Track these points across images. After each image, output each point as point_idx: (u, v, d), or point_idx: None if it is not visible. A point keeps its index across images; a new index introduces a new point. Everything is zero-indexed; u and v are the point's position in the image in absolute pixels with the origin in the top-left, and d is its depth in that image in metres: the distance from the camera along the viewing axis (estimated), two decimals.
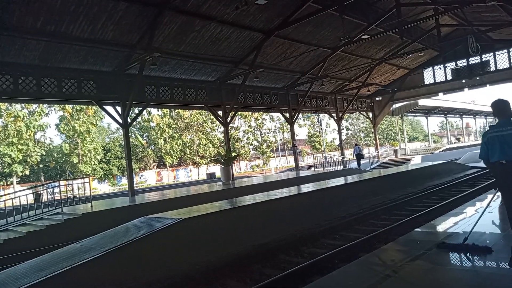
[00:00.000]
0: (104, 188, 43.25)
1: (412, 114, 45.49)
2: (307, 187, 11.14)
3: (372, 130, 33.09)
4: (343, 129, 61.57)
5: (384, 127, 70.75)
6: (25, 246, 9.04)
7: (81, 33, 12.10)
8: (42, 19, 11.05)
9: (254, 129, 58.47)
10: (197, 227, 6.89)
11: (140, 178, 46.39)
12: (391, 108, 31.88)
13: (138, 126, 49.78)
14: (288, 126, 26.23)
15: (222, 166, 17.29)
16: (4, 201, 11.19)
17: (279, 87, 21.84)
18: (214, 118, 21.48)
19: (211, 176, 37.15)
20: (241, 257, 6.92)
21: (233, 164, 18.69)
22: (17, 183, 37.31)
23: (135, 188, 15.52)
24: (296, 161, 24.31)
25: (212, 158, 48.84)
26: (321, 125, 61.39)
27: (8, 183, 38.27)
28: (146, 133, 50.49)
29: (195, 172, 51.87)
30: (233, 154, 18.61)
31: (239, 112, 34.02)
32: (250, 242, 7.50)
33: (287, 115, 23.14)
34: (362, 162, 26.10)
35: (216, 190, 14.30)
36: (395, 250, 5.07)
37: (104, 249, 5.75)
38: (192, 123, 50.84)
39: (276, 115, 58.46)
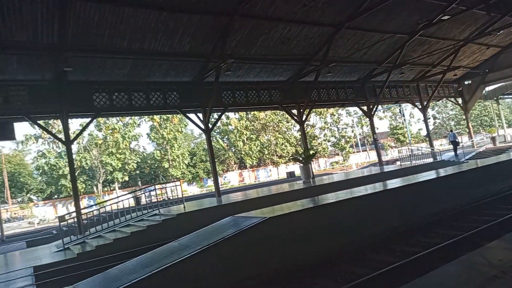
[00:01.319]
0: (193, 190, 46.18)
1: (510, 96, 40.30)
2: (394, 183, 10.60)
3: (463, 117, 30.12)
4: (429, 118, 57.19)
5: (477, 113, 63.78)
6: (130, 244, 10.13)
7: (162, 48, 13.15)
8: (128, 39, 12.26)
9: (330, 125, 57.30)
10: (282, 225, 7.01)
11: (224, 179, 48.53)
12: (484, 92, 28.70)
13: (218, 130, 52.21)
14: (367, 119, 25.16)
15: (301, 165, 17.30)
16: (110, 205, 12.60)
17: (354, 80, 21.11)
18: (289, 117, 21.54)
19: (291, 175, 37.33)
20: (329, 256, 6.89)
21: (312, 162, 18.55)
22: (118, 189, 41.81)
23: (220, 189, 16.33)
24: (379, 155, 23.22)
25: (291, 157, 49.10)
26: (403, 115, 57.70)
27: (111, 188, 43.03)
28: (226, 136, 52.69)
29: (275, 172, 52.60)
30: (312, 152, 18.47)
31: (314, 109, 33.67)
32: (337, 241, 7.41)
33: (364, 108, 22.26)
34: (453, 153, 23.97)
35: (297, 188, 14.39)
36: (502, 248, 4.59)
37: (199, 247, 6.18)
38: (268, 123, 51.69)
39: (352, 109, 56.56)
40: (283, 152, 52.24)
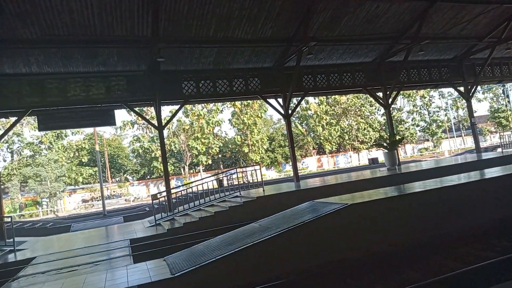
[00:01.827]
0: (271, 174, 47.02)
1: None
2: (494, 172, 9.47)
3: None
4: None
5: None
6: (213, 223, 10.75)
7: (245, 35, 13.39)
8: (214, 28, 12.72)
9: (420, 109, 53.13)
10: (363, 213, 6.77)
11: (302, 164, 48.44)
12: None
13: (297, 115, 51.97)
14: (463, 101, 22.71)
15: (386, 151, 16.39)
16: (196, 186, 13.45)
17: (449, 58, 19.13)
18: (373, 101, 20.44)
19: (373, 161, 35.66)
20: (413, 247, 6.48)
21: (398, 148, 17.46)
22: (203, 171, 44.45)
23: (298, 174, 16.30)
24: (476, 141, 20.91)
25: (374, 143, 46.90)
26: (507, 97, 50.86)
27: (196, 171, 45.89)
28: (305, 122, 52.22)
29: (355, 158, 50.84)
30: (398, 137, 17.35)
31: (401, 92, 31.49)
32: (423, 232, 6.93)
33: (461, 89, 20.12)
34: None
35: (379, 176, 13.70)
36: None
37: (279, 229, 6.30)
38: (349, 107, 49.85)
39: (447, 90, 51.69)
40: (365, 138, 50.09)
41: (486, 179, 8.33)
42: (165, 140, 14.36)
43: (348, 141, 50.66)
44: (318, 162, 50.14)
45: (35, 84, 12.41)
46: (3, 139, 15.57)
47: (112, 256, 8.27)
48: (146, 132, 43.01)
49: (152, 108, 16.56)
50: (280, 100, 16.12)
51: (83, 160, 42.57)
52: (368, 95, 19.33)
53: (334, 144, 49.74)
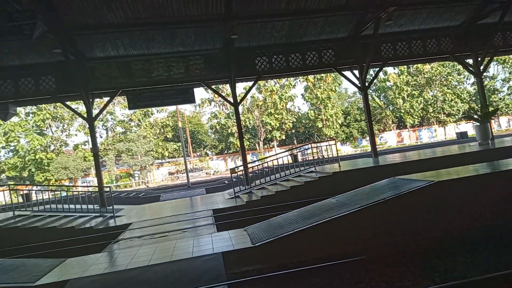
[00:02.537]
0: (346, 149, 45.87)
1: None
2: None
3: None
4: None
5: None
6: (289, 197, 10.96)
7: (318, 5, 12.86)
8: (285, 1, 12.39)
9: None
10: (450, 191, 6.32)
11: (380, 139, 46.31)
12: None
13: (374, 87, 49.33)
14: None
15: (477, 124, 14.87)
16: (272, 161, 13.72)
17: None
18: (462, 69, 18.48)
19: (461, 135, 32.65)
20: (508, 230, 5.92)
21: (491, 121, 15.72)
22: (277, 146, 45.02)
23: (376, 149, 15.65)
24: None
25: (463, 115, 42.79)
26: None
27: (270, 146, 46.62)
28: (383, 94, 49.40)
29: (441, 132, 47.00)
30: (491, 108, 15.57)
31: (495, 57, 27.96)
32: None
33: None
34: None
35: (469, 151, 12.53)
36: None
37: (358, 206, 6.21)
38: (434, 77, 45.75)
39: None
40: (452, 110, 45.86)
41: None
42: (240, 116, 14.76)
43: (432, 114, 46.88)
44: (398, 137, 47.42)
45: (123, 65, 13.56)
46: (98, 117, 17.40)
47: (197, 224, 8.96)
48: (222, 109, 44.61)
49: (227, 85, 17.06)
50: (356, 72, 15.45)
51: (167, 136, 45.91)
52: (456, 63, 17.54)
53: (416, 117, 46.44)
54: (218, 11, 12.23)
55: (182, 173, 40.17)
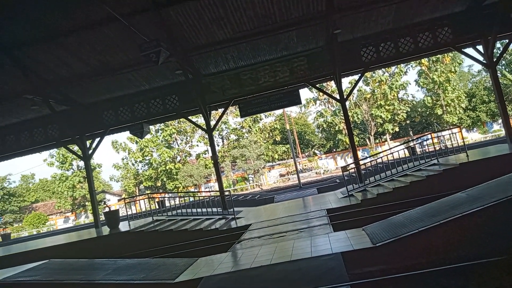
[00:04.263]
0: (474, 136, 40.49)
1: None
2: None
3: None
4: None
5: None
6: (408, 194, 10.19)
7: None
8: None
9: None
10: None
11: None
12: None
13: (504, 61, 42.41)
14: None
15: None
16: (386, 155, 12.95)
17: None
18: None
19: None
20: None
21: None
22: (390, 140, 42.23)
23: None
24: None
25: None
26: None
27: (383, 140, 44.00)
28: None
29: None
30: None
31: None
32: None
33: None
34: None
35: None
36: None
37: (494, 199, 5.44)
38: None
39: None
40: None
41: None
42: (347, 112, 14.34)
43: None
44: None
45: (234, 77, 14.52)
46: (216, 128, 18.90)
47: (312, 225, 9.00)
48: (328, 107, 43.93)
49: (332, 82, 16.73)
50: (479, 47, 13.54)
51: (276, 139, 47.31)
52: None
53: None
54: (320, 8, 12.11)
55: (293, 174, 40.83)
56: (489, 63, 13.25)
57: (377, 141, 44.05)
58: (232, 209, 12.70)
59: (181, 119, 38.09)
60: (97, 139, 15.81)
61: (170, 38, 12.02)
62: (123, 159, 45.19)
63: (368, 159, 14.73)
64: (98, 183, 47.17)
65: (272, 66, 14.28)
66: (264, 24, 12.38)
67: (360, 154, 40.98)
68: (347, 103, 41.77)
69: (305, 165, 44.95)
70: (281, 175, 43.91)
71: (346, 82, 41.45)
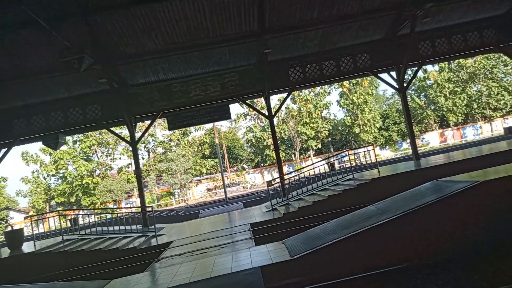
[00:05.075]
0: (386, 154, 44.34)
1: None
2: None
3: None
4: None
5: None
6: (327, 207, 10.75)
7: (351, 10, 12.64)
8: (317, 9, 12.31)
9: None
10: (498, 191, 5.87)
11: (422, 141, 44.38)
12: None
13: (413, 87, 47.56)
14: None
15: None
16: (308, 171, 13.53)
17: None
18: (508, 60, 17.33)
19: (510, 130, 30.59)
20: None
21: None
22: (313, 155, 44.44)
23: (418, 151, 14.98)
24: None
25: (511, 109, 40.07)
26: None
27: (307, 156, 46.11)
28: (423, 93, 47.50)
29: (487, 128, 44.20)
30: None
31: None
32: None
33: None
34: None
35: None
36: None
37: (399, 212, 5.93)
38: (477, 71, 43.36)
39: None
40: (499, 104, 43.08)
41: None
42: (275, 128, 14.78)
43: (477, 110, 44.31)
44: (441, 136, 45.17)
45: (163, 89, 14.15)
46: (141, 140, 18.12)
47: (235, 239, 8.97)
48: (258, 122, 44.91)
49: (261, 98, 17.16)
50: (393, 73, 14.99)
51: (205, 153, 46.82)
52: (502, 54, 16.48)
53: (459, 115, 44.12)
54: (252, 27, 12.42)
55: (220, 189, 40.64)
56: (400, 87, 14.69)
57: (301, 156, 45.98)
58: (153, 226, 12.14)
59: (103, 130, 35.90)
60: (3, 150, 14.07)
61: (96, 45, 11.33)
62: (33, 172, 40.88)
63: (293, 174, 15.23)
64: (2, 198, 42.04)
65: (204, 80, 14.23)
66: (197, 38, 12.31)
67: (285, 169, 42.35)
68: (275, 119, 43.07)
69: (233, 180, 45.08)
70: (209, 190, 43.43)
71: (275, 99, 42.89)
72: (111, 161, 42.65)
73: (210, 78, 14.23)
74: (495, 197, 5.87)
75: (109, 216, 13.86)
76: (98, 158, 42.22)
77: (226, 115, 14.80)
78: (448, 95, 43.78)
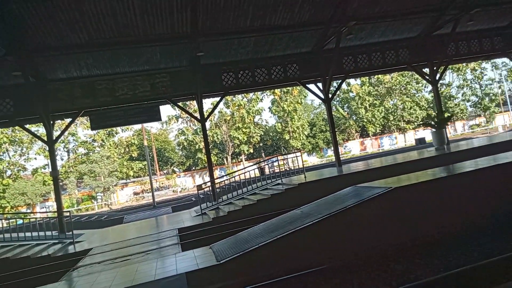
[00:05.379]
0: (313, 160, 46.57)
1: None
2: None
3: None
4: None
5: None
6: (256, 211, 10.91)
7: (282, 22, 13.17)
8: (250, 17, 12.62)
9: (470, 83, 49.71)
10: (409, 196, 6.52)
11: (344, 149, 47.46)
12: None
13: (338, 98, 50.71)
14: None
15: (434, 130, 15.59)
16: (239, 175, 13.66)
17: (503, 26, 17.62)
18: (420, 78, 19.38)
19: (420, 141, 34.17)
20: (466, 230, 6.17)
21: (447, 126, 16.55)
22: (245, 160, 45.00)
23: (340, 158, 16.01)
24: None
25: (421, 122, 44.72)
26: None
27: (239, 160, 46.56)
28: (347, 104, 50.91)
29: (401, 139, 48.88)
30: (446, 114, 16.43)
31: (450, 66, 29.60)
32: (475, 214, 6.56)
33: None
34: None
35: (427, 156, 13.10)
36: None
37: (321, 215, 6.25)
38: (393, 86, 47.78)
39: (501, 60, 47.87)
40: (411, 117, 47.93)
41: None
42: (207, 131, 14.69)
43: (393, 122, 48.77)
44: (361, 145, 48.83)
45: (86, 86, 13.23)
46: (59, 139, 16.73)
47: (162, 245, 8.68)
48: (190, 125, 44.20)
49: (194, 101, 16.93)
50: (319, 84, 15.82)
51: (133, 155, 44.70)
52: (414, 72, 18.36)
53: (378, 126, 48.14)
54: (184, 29, 12.23)
55: (148, 193, 39.09)
56: (325, 98, 15.55)
57: (234, 160, 46.28)
58: (71, 232, 11.24)
59: (16, 127, 32.38)
60: None
61: (9, 33, 10.21)
62: None
63: (224, 178, 15.25)
64: None
65: (132, 79, 13.62)
66: (126, 34, 11.77)
67: (217, 173, 42.24)
68: (208, 123, 42.72)
69: (162, 183, 43.69)
70: (136, 194, 41.52)
71: (208, 102, 42.69)
72: (25, 161, 38.60)
73: (140, 77, 13.69)
74: (406, 201, 6.49)
75: (20, 221, 12.48)
76: (10, 158, 37.97)
77: (156, 117, 14.34)
78: (368, 107, 47.49)
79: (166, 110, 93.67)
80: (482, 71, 49.44)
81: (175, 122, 43.95)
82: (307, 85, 16.00)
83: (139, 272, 6.13)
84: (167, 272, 5.83)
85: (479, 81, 49.83)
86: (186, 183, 43.54)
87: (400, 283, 4.74)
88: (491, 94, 49.66)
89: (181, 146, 46.46)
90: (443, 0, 14.44)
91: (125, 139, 45.15)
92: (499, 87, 50.68)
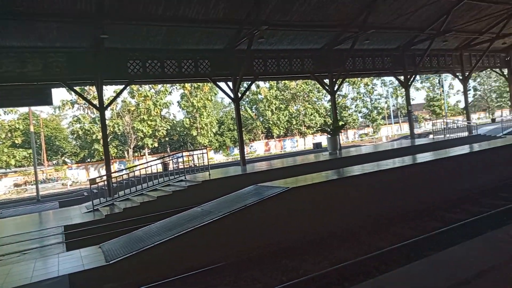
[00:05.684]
0: (219, 158, 46.89)
1: None
2: (422, 157, 10.20)
3: (507, 89, 28.15)
4: (469, 90, 54.16)
5: None
6: (156, 208, 10.50)
7: (196, 15, 12.81)
8: (163, 6, 11.99)
9: (363, 96, 55.59)
10: (304, 196, 6.97)
11: (250, 148, 48.84)
12: None
13: (247, 99, 51.92)
14: (403, 90, 23.92)
15: (329, 136, 16.98)
16: (139, 170, 12.98)
17: (393, 48, 20.03)
18: (320, 87, 20.92)
19: (317, 146, 36.94)
20: (351, 228, 6.83)
21: (340, 134, 18.16)
22: (148, 154, 43.11)
23: (245, 158, 16.39)
24: (411, 127, 22.39)
25: (319, 128, 48.47)
26: (442, 86, 54.97)
27: (141, 154, 44.44)
28: (255, 106, 52.45)
29: (301, 142, 52.26)
30: (340, 123, 18.04)
31: (347, 79, 32.62)
32: (360, 213, 7.32)
33: (401, 78, 21.22)
34: (492, 127, 22.78)
35: (322, 160, 14.22)
36: None
37: (221, 213, 6.29)
38: (298, 93, 50.83)
39: (388, 78, 54.49)
40: (312, 123, 51.58)
41: (414, 164, 8.97)
42: (108, 121, 13.65)
43: (295, 126, 51.83)
44: (266, 146, 50.84)
45: None
46: None
47: (43, 244, 7.76)
48: (88, 113, 40.48)
49: (95, 87, 15.53)
50: (230, 83, 15.91)
51: (16, 142, 39.14)
52: (316, 81, 19.73)
53: (282, 128, 50.65)
54: (88, 7, 11.04)
55: (32, 185, 34.73)
56: (235, 97, 15.72)
57: (136, 154, 43.99)
58: None
59: None
60: None
61: None
62: None
63: (123, 172, 14.32)
64: None
65: (20, 55, 11.89)
66: (14, 4, 10.19)
67: (116, 166, 39.66)
68: (109, 112, 39.79)
69: (50, 175, 39.26)
70: (17, 185, 36.56)
71: (111, 90, 39.71)
72: None
73: (30, 54, 12.03)
74: (300, 201, 6.91)
75: None
76: None
77: (47, 100, 12.85)
78: (274, 110, 49.65)
79: (60, 94, 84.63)
80: (373, 86, 55.70)
81: (70, 108, 39.79)
82: (218, 82, 15.99)
83: (11, 275, 5.36)
84: (47, 274, 5.23)
85: (370, 95, 55.99)
86: (79, 176, 39.78)
87: (289, 278, 5.01)
88: (378, 108, 56.27)
89: (75, 135, 42.31)
90: (346, 18, 15.74)
91: (8, 122, 39.39)
92: (386, 102, 57.79)
